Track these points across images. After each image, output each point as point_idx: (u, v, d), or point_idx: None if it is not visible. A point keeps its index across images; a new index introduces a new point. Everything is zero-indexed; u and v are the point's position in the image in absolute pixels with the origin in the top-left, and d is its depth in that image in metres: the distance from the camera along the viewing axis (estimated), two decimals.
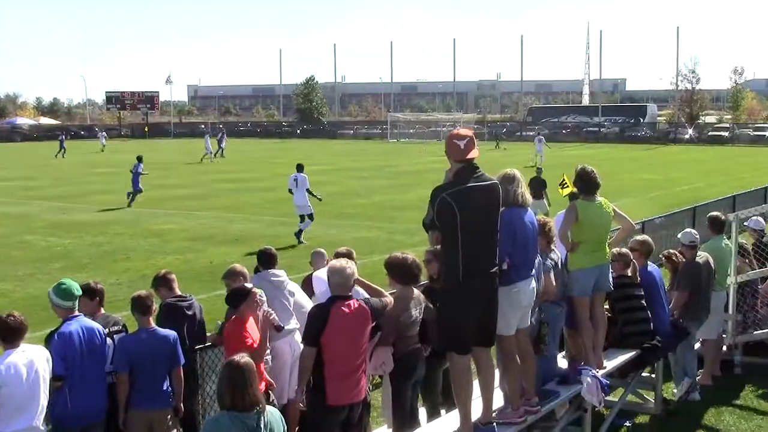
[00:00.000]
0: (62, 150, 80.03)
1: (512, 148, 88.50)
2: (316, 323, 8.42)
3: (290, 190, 29.26)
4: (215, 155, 74.60)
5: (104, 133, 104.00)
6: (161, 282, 10.16)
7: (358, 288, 9.14)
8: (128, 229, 31.21)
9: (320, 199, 30.75)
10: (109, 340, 9.19)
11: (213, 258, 24.59)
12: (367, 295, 9.09)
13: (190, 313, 10.01)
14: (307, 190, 28.99)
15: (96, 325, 9.02)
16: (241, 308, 9.46)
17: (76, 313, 8.95)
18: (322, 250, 12.65)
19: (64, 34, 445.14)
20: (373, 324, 8.86)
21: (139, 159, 40.45)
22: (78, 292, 9.01)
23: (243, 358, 6.74)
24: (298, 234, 28.20)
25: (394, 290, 9.57)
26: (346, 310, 8.47)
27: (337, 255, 10.63)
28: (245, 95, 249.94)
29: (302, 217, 28.72)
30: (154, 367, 9.13)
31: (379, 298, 9.06)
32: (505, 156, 69.32)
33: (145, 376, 9.09)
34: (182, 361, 9.38)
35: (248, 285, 9.81)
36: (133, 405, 9.09)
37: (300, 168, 29.41)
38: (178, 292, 10.21)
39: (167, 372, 9.26)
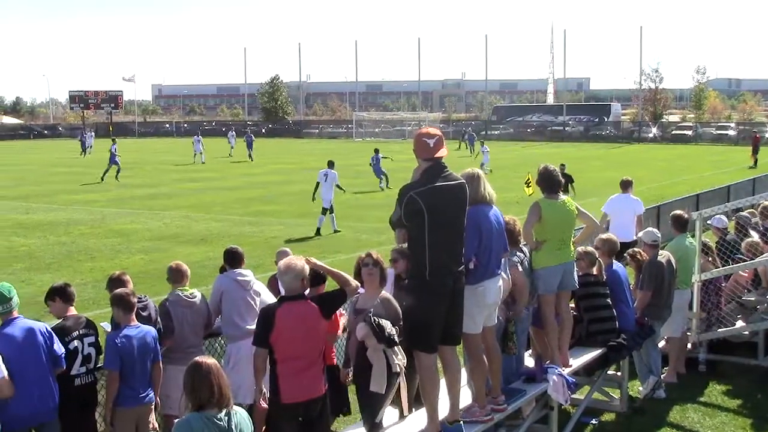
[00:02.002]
0: (86, 149, 77.60)
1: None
2: (264, 325, 8.45)
3: (318, 184, 30.77)
4: (249, 157, 70.44)
5: (92, 132, 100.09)
6: (116, 283, 10.02)
7: None
8: (93, 229, 31.00)
9: (344, 191, 33.15)
10: (77, 342, 9.11)
11: (178, 258, 24.46)
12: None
13: (144, 314, 9.89)
14: (337, 185, 30.72)
15: (38, 325, 8.85)
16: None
17: (15, 315, 8.79)
18: (287, 249, 12.59)
19: (26, 33, 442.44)
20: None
21: (377, 151, 46.75)
22: (9, 294, 8.79)
23: (209, 358, 6.73)
24: (330, 225, 30.01)
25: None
26: (293, 309, 8.45)
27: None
28: (210, 94, 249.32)
29: (324, 210, 29.84)
30: (142, 362, 9.20)
31: (340, 289, 9.04)
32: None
33: (135, 372, 9.14)
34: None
35: None
36: (122, 403, 9.13)
37: (331, 164, 31.33)
38: None
39: (151, 367, 9.34)
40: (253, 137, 76.40)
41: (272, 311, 8.47)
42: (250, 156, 70.76)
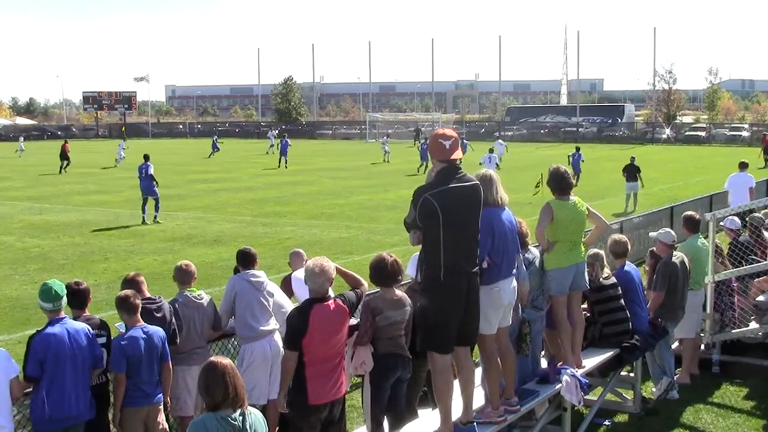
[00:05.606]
0: (216, 151, 74.56)
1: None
2: (297, 327, 8.45)
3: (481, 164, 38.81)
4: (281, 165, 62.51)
5: (275, 132, 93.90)
6: (130, 284, 10.03)
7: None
8: (106, 230, 31.05)
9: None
10: None
11: (191, 258, 24.47)
12: (332, 293, 9.07)
13: (159, 315, 9.89)
14: (497, 164, 43.87)
15: (83, 327, 8.93)
16: None
17: (62, 315, 8.86)
18: (301, 250, 12.63)
19: (40, 34, 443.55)
20: (352, 320, 8.93)
21: (578, 148, 48.17)
22: (61, 292, 8.87)
23: (225, 358, 6.75)
24: None
25: (377, 290, 9.60)
26: (325, 311, 8.49)
27: None
28: (223, 95, 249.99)
29: None
30: (149, 363, 9.21)
31: (354, 289, 9.12)
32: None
33: (142, 372, 9.16)
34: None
35: None
36: (129, 403, 9.15)
37: (492, 150, 47.59)
38: (147, 294, 10.15)
39: (159, 367, 9.36)
40: (290, 142, 66.22)
41: (305, 314, 8.50)
42: (284, 163, 62.93)
